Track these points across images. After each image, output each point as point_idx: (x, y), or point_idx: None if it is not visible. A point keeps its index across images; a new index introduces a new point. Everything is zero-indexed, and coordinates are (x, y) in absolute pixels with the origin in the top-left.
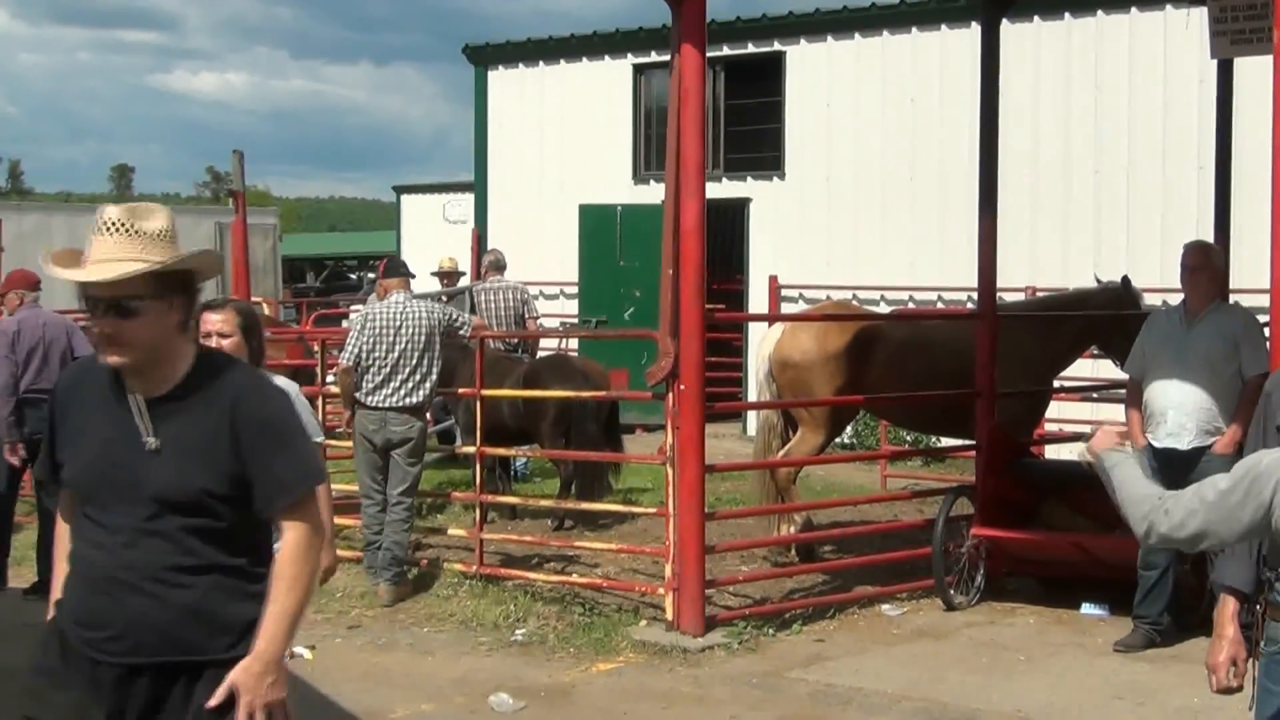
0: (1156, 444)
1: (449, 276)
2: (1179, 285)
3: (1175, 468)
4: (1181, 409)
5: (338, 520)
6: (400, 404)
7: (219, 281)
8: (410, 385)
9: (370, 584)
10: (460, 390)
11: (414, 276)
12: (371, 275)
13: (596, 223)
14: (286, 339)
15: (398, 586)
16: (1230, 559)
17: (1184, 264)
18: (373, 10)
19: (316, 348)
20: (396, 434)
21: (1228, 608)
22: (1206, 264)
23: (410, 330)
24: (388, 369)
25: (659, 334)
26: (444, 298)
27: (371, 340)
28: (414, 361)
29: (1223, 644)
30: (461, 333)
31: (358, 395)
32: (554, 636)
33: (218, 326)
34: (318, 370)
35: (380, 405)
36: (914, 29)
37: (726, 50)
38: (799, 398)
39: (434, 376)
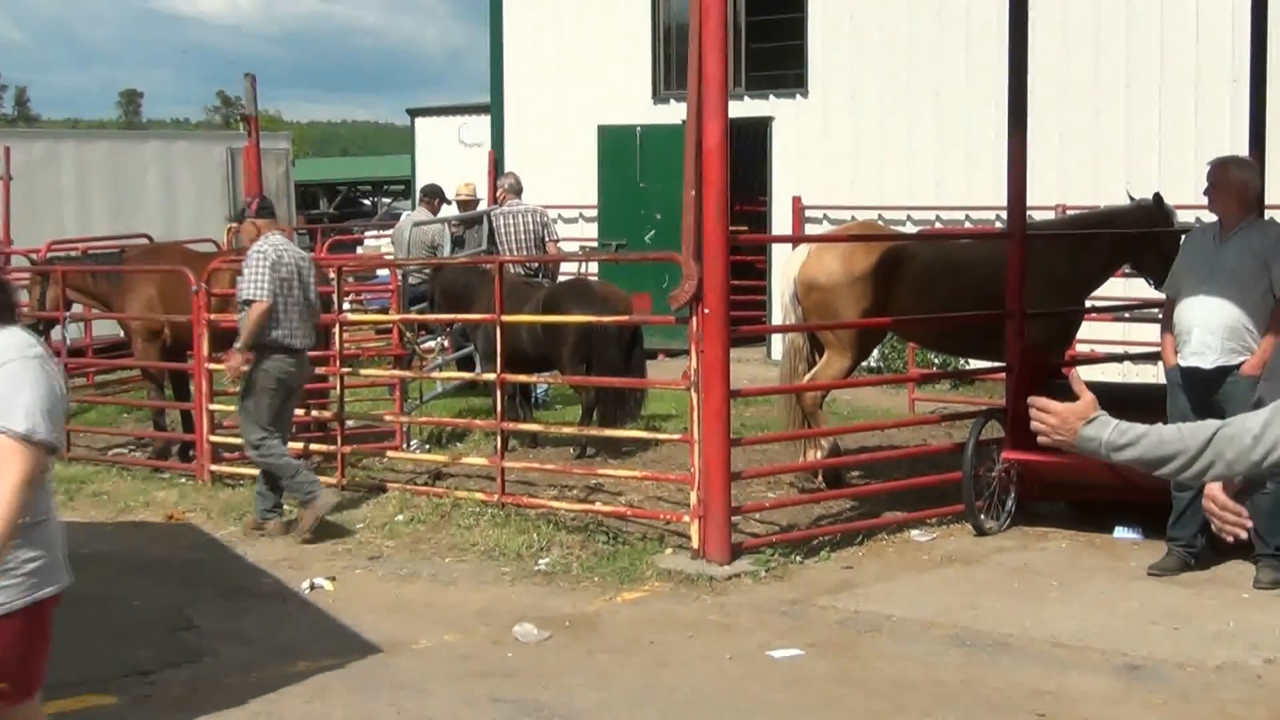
0: (1183, 363)
1: (467, 204)
2: None
3: (1200, 387)
4: (1206, 327)
5: (357, 449)
6: (311, 346)
7: (231, 208)
8: (310, 326)
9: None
10: (479, 316)
11: (449, 202)
12: (388, 200)
13: (616, 144)
14: None
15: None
16: None
17: (1207, 180)
18: None
19: (332, 275)
20: (306, 375)
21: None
22: (1225, 180)
23: (307, 271)
24: (299, 310)
25: (681, 257)
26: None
27: (286, 278)
28: (313, 302)
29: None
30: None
31: (278, 337)
32: (578, 566)
33: None
34: (334, 298)
35: (301, 347)
36: None
37: None
38: (825, 320)
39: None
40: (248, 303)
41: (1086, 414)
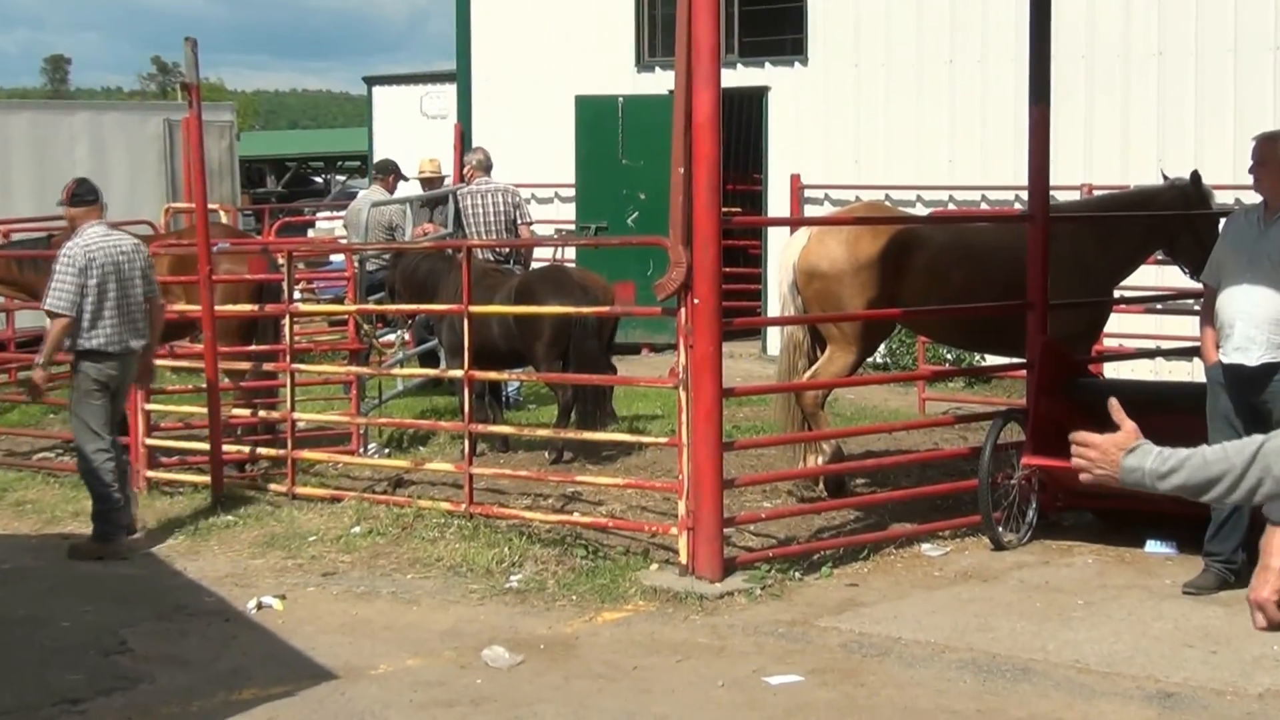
0: (1225, 359)
1: (431, 182)
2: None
3: (1243, 387)
4: (1251, 320)
5: (308, 454)
6: (146, 344)
7: (169, 187)
8: (139, 324)
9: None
10: (444, 306)
11: (405, 178)
12: (341, 177)
13: (595, 116)
14: (248, 251)
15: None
16: None
17: (1251, 158)
18: None
19: (282, 261)
20: (132, 376)
21: (1275, 538)
22: (1272, 157)
23: (130, 266)
24: (119, 312)
25: (668, 241)
26: (424, 204)
27: (101, 279)
28: (139, 299)
29: (1268, 576)
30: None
31: (92, 343)
32: (554, 583)
33: None
34: (284, 286)
35: (121, 351)
36: None
37: None
38: (827, 311)
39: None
40: (50, 313)
41: (1128, 444)
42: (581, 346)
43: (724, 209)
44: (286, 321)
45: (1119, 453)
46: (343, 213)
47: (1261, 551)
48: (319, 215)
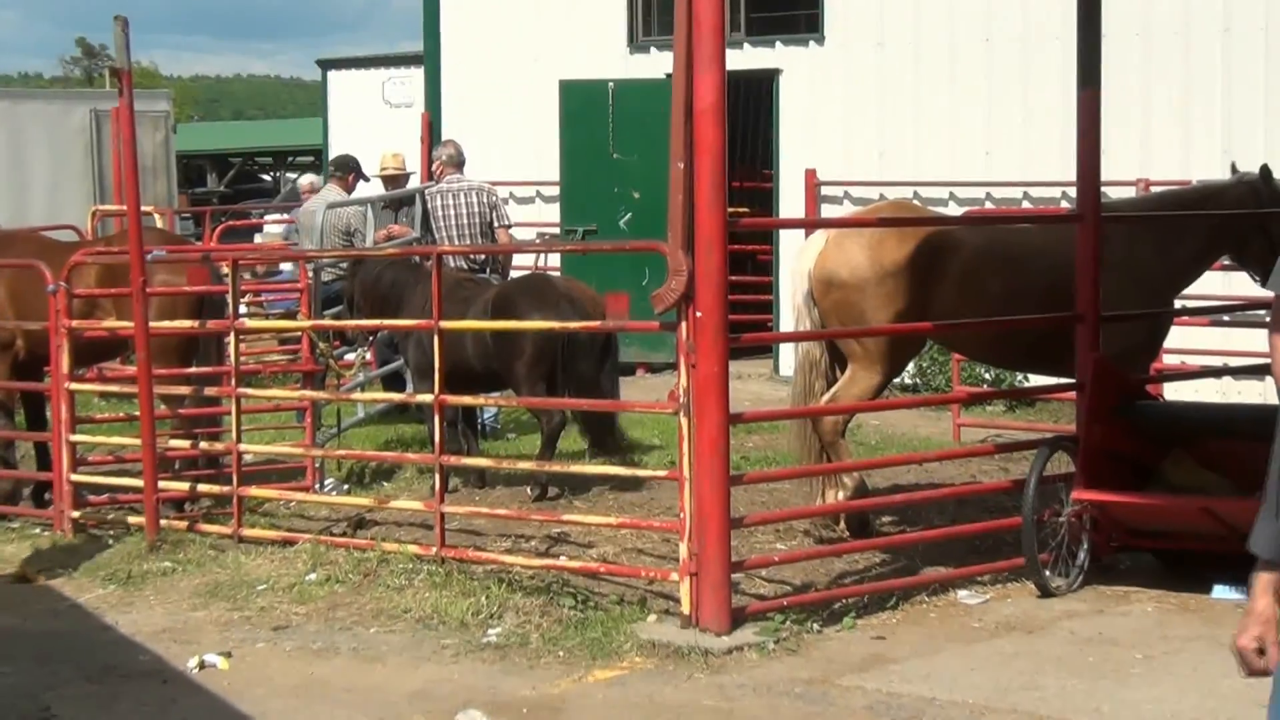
0: None
1: (395, 180)
2: None
3: None
4: None
5: (257, 491)
6: None
7: (96, 187)
8: None
9: None
10: (411, 322)
11: (367, 178)
12: (292, 175)
13: (583, 104)
14: (187, 260)
15: None
16: (1265, 522)
17: None
18: None
19: (226, 270)
20: None
21: (1260, 577)
22: None
23: None
24: None
25: (666, 246)
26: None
27: None
28: None
29: (1249, 621)
30: None
31: None
32: (538, 637)
33: None
34: (228, 298)
35: None
36: None
37: None
38: (847, 325)
39: None
40: None
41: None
42: (573, 368)
43: (730, 209)
44: (231, 340)
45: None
46: (295, 215)
47: (1249, 592)
48: (267, 218)
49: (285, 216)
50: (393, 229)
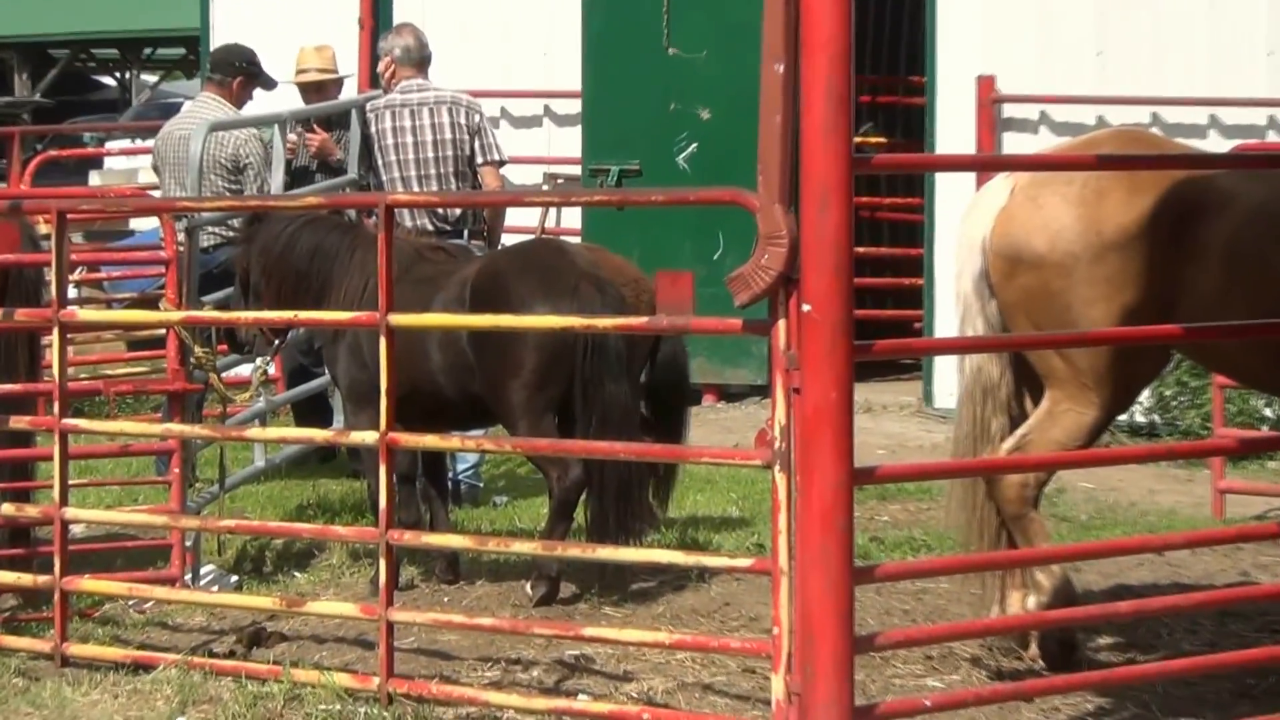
0: None
1: (319, 89)
2: None
3: None
4: None
5: (91, 584)
6: None
7: None
8: None
9: None
10: (340, 315)
11: (271, 87)
12: (150, 78)
13: None
14: None
15: None
16: None
17: None
18: None
19: (45, 229)
20: None
21: None
22: None
23: None
24: None
25: (756, 198)
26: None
27: None
28: None
29: None
30: None
31: None
32: None
33: None
34: (48, 273)
35: None
36: None
37: None
38: (1043, 327)
39: None
40: None
41: None
42: (597, 390)
43: (858, 138)
44: (54, 340)
45: None
46: (151, 142)
47: None
48: (110, 145)
49: (138, 144)
50: (314, 141)
